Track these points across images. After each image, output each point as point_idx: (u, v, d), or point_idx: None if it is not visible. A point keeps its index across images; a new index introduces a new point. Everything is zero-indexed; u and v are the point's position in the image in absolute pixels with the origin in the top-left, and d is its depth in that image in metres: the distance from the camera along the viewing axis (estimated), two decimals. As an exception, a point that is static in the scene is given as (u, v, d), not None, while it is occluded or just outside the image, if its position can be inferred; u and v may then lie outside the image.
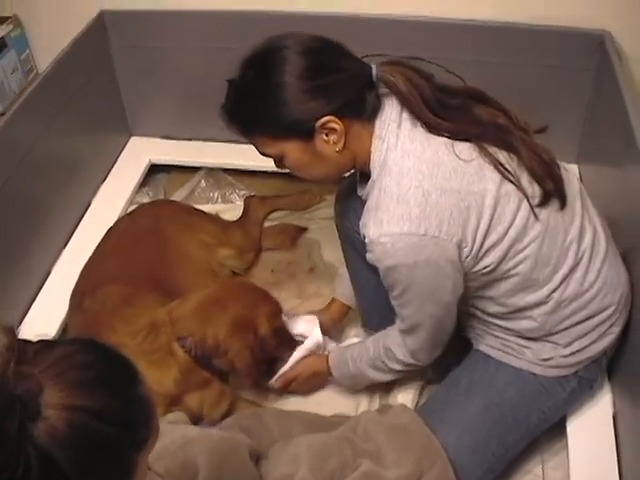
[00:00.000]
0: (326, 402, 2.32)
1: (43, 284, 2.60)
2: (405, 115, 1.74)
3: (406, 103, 1.74)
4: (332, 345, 2.33)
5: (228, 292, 2.19)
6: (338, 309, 2.47)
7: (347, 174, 1.97)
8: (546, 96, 2.69)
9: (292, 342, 2.27)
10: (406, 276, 1.72)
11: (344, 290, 2.45)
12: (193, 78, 2.97)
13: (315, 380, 2.32)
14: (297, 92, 1.67)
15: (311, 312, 2.47)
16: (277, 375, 2.30)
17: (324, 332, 2.33)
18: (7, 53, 3.00)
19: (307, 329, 2.31)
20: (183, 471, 1.82)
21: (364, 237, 1.74)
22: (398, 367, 2.04)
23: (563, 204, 1.79)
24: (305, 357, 2.28)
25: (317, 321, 2.33)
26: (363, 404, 2.30)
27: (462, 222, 1.67)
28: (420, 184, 1.66)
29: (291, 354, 2.27)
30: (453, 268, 1.72)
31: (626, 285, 1.97)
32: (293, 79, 1.67)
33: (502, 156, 1.73)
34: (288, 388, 2.33)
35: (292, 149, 1.74)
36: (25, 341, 1.07)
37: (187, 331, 2.08)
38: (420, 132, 1.72)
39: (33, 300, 2.54)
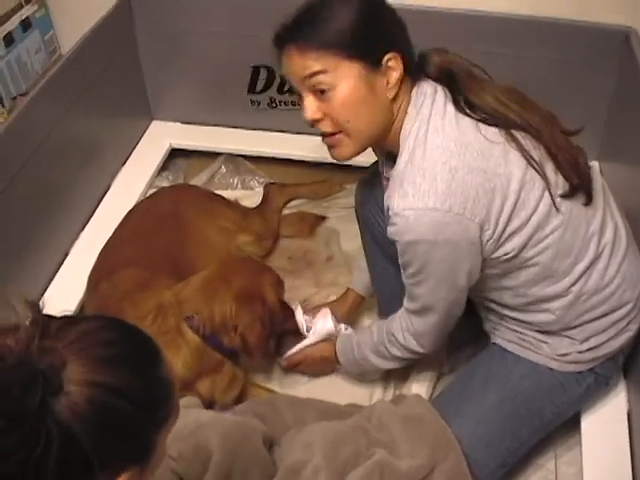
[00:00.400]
0: (340, 391, 2.32)
1: (61, 265, 2.61)
2: (440, 93, 1.75)
3: (446, 81, 1.76)
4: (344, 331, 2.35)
5: (230, 268, 2.20)
6: (352, 299, 2.48)
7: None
8: (568, 91, 2.67)
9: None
10: (424, 253, 1.70)
11: (359, 280, 2.47)
12: (217, 64, 2.98)
13: (322, 365, 2.34)
14: (379, 17, 1.69)
15: (325, 303, 2.50)
16: (286, 355, 2.34)
17: (338, 321, 2.34)
18: (31, 33, 3.00)
19: (322, 322, 2.33)
20: (196, 455, 1.82)
21: (387, 209, 1.74)
22: (399, 354, 2.04)
23: (588, 201, 1.80)
24: (316, 343, 2.31)
25: (330, 312, 2.35)
26: (377, 394, 2.31)
27: (487, 203, 1.66)
28: (448, 160, 1.65)
29: (297, 325, 2.32)
30: (473, 251, 1.71)
31: (645, 283, 1.97)
32: (374, 6, 1.69)
33: (529, 144, 1.73)
34: (295, 369, 2.36)
35: (353, 75, 1.68)
36: (49, 316, 1.08)
37: (194, 310, 2.08)
38: (451, 111, 1.72)
39: (50, 281, 2.55)
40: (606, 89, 2.69)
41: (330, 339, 2.30)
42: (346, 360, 2.23)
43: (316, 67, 1.68)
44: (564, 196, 1.75)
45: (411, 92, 1.76)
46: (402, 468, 1.83)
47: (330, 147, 1.82)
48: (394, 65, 1.70)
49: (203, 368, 2.11)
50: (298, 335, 2.33)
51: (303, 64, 1.69)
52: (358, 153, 1.82)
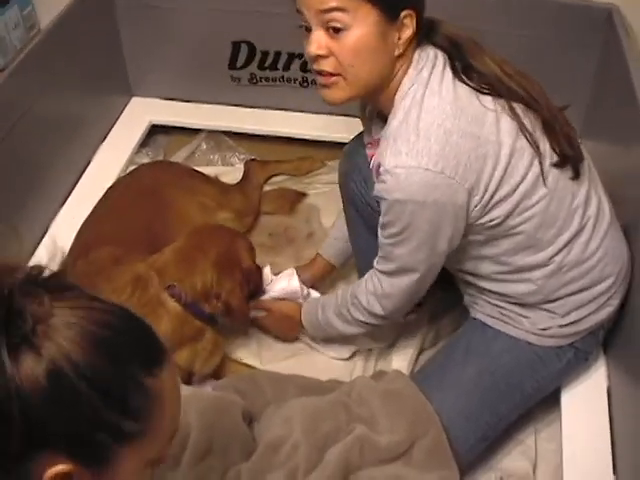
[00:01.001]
0: (321, 367, 2.32)
1: (40, 241, 2.58)
2: (440, 60, 1.75)
3: (450, 50, 1.77)
4: (314, 295, 2.36)
5: (204, 236, 2.21)
6: (321, 265, 2.47)
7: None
8: (551, 70, 2.64)
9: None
10: (410, 213, 1.70)
11: (329, 247, 2.46)
12: (197, 39, 2.96)
13: (286, 323, 2.32)
14: None
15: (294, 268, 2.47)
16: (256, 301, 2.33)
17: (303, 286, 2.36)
18: (10, 8, 2.96)
19: (287, 281, 2.35)
20: (175, 432, 1.82)
21: (378, 166, 1.74)
22: (361, 317, 2.03)
23: (576, 176, 1.82)
24: (282, 299, 2.32)
25: (295, 272, 2.36)
26: (358, 370, 2.30)
27: (478, 168, 1.68)
28: (443, 123, 1.66)
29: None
30: (458, 216, 1.72)
31: (627, 259, 1.98)
32: None
33: (525, 115, 1.75)
34: (259, 320, 2.35)
35: (369, 21, 1.66)
36: (71, 285, 1.05)
37: (174, 279, 2.08)
38: (449, 77, 1.73)
39: (31, 257, 2.51)
40: (589, 67, 2.69)
41: (296, 300, 2.30)
42: (310, 323, 2.23)
43: (336, 3, 1.64)
44: (555, 164, 1.78)
45: (413, 55, 1.76)
46: (382, 443, 1.84)
47: (323, 87, 1.77)
48: (409, 23, 1.69)
49: (183, 337, 2.10)
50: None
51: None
52: (350, 100, 1.79)
